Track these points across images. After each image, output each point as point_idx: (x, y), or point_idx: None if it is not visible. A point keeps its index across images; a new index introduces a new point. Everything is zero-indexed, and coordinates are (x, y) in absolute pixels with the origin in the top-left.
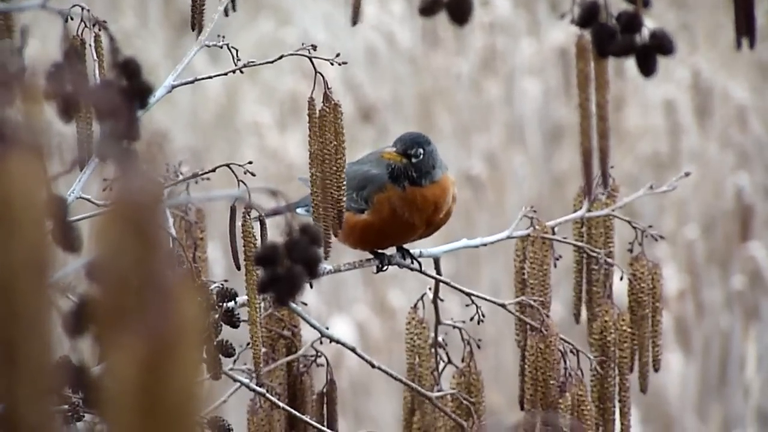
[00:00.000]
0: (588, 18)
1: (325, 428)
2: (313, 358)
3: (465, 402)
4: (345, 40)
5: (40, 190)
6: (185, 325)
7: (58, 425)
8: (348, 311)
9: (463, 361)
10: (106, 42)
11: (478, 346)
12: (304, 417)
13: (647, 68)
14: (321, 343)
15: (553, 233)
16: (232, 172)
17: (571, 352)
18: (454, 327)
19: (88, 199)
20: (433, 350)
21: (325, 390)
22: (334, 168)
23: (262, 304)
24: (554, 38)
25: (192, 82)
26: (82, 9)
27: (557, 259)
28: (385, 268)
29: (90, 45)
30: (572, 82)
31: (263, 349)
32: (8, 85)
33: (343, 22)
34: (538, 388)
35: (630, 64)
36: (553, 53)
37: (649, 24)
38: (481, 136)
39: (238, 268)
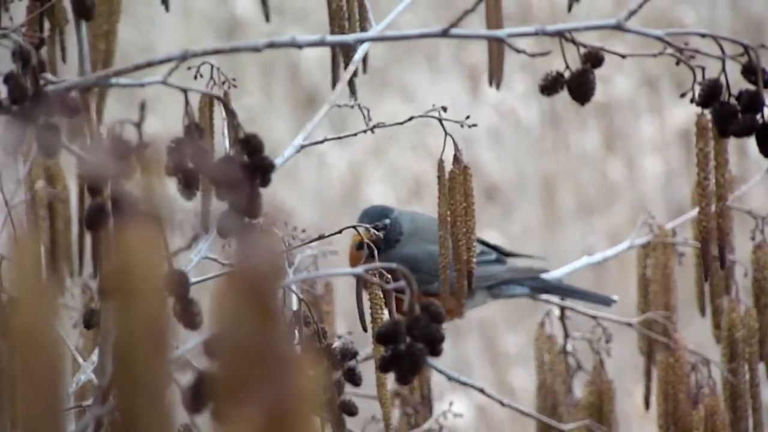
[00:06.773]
0: (709, 97)
1: None
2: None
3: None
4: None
5: (160, 262)
6: (303, 398)
7: None
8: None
9: (594, 369)
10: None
11: (608, 354)
12: None
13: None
14: (445, 418)
15: (674, 235)
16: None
17: (701, 364)
18: (583, 339)
19: (215, 259)
20: (562, 360)
21: None
22: (464, 230)
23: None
24: (677, 116)
25: (321, 142)
26: (206, 85)
27: (681, 255)
28: None
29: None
30: (694, 161)
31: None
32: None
33: (468, 101)
34: (669, 403)
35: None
36: (675, 132)
37: None
38: (604, 215)
39: (365, 330)
